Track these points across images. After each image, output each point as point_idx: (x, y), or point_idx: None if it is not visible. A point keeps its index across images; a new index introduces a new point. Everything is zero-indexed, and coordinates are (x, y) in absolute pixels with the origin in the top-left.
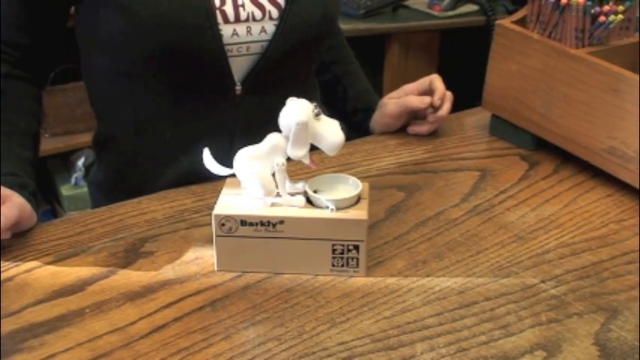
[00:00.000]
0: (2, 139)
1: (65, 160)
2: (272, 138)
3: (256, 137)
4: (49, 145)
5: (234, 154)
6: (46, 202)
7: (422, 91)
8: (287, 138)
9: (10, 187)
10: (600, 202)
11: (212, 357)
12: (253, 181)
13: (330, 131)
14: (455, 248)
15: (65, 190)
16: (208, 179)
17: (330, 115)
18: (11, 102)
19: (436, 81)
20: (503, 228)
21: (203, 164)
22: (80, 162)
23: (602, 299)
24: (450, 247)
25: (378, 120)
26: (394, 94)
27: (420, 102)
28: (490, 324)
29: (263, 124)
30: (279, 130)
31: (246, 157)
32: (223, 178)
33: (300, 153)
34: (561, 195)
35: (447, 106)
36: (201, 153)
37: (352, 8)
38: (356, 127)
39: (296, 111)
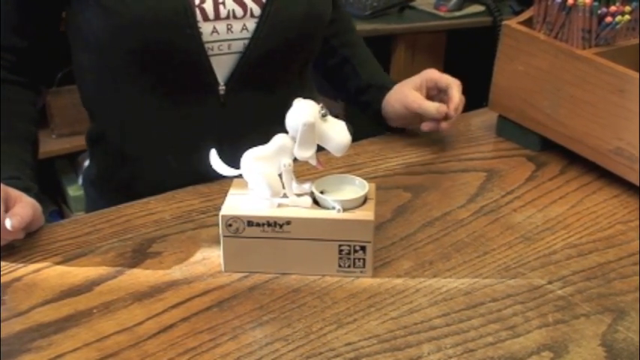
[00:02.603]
0: (1, 144)
1: (72, 160)
2: (279, 139)
3: (244, 138)
4: (55, 145)
5: (223, 154)
6: (53, 202)
7: (440, 88)
8: (293, 139)
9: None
10: (607, 203)
11: (219, 357)
12: (260, 181)
13: (337, 132)
14: (462, 249)
15: (72, 191)
16: (200, 180)
17: (339, 99)
18: (8, 107)
19: (454, 89)
20: (510, 229)
21: (191, 163)
22: (87, 162)
23: (608, 300)
24: (456, 247)
25: (393, 102)
26: (416, 78)
27: (436, 112)
28: (497, 325)
29: (250, 124)
30: (267, 131)
31: (253, 158)
32: (229, 178)
33: (307, 154)
34: (568, 196)
35: (459, 111)
36: (189, 152)
37: (358, 9)
38: (366, 105)
39: (303, 112)
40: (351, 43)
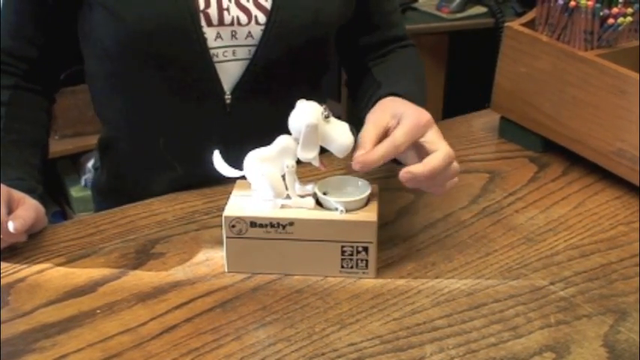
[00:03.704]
0: (9, 147)
1: (75, 161)
2: (282, 140)
3: (250, 146)
4: (58, 146)
5: (229, 161)
6: (56, 203)
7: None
8: (297, 140)
9: (19, 191)
10: (609, 204)
11: (223, 357)
12: (263, 183)
13: (340, 133)
14: (464, 250)
15: (75, 192)
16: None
17: None
18: (19, 113)
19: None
20: (512, 230)
21: (197, 172)
22: (90, 164)
23: (610, 301)
24: (459, 248)
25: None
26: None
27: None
28: (499, 326)
29: (257, 133)
30: (274, 140)
31: (256, 159)
32: (232, 180)
33: (310, 155)
34: (570, 197)
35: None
36: (195, 160)
37: None
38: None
39: (306, 113)
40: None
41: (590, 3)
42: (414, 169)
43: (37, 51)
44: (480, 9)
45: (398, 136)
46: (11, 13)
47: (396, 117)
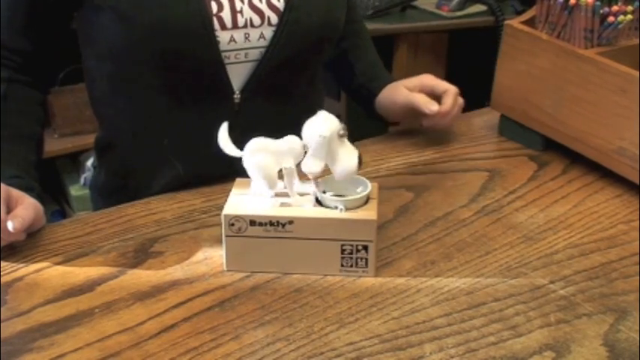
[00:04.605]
0: (5, 143)
1: (74, 160)
2: (292, 139)
3: None
4: (57, 145)
5: (234, 160)
6: (55, 202)
7: (436, 93)
8: (305, 147)
9: (17, 189)
10: (609, 203)
11: (221, 357)
12: (258, 172)
13: (348, 157)
14: (464, 249)
15: (74, 191)
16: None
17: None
18: (14, 106)
19: (450, 97)
20: (512, 228)
21: (199, 171)
22: (89, 162)
23: (610, 300)
24: (458, 247)
25: (383, 102)
26: (410, 81)
27: (426, 107)
28: (499, 325)
29: (264, 131)
30: (280, 137)
31: (256, 148)
32: (231, 179)
33: (315, 168)
34: (570, 195)
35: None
36: (199, 160)
37: (360, 8)
38: (362, 103)
39: (322, 124)
40: (350, 34)
41: (590, 1)
42: (445, 107)
43: (31, 45)
44: (479, 7)
45: (441, 84)
46: (6, 7)
47: (414, 89)
